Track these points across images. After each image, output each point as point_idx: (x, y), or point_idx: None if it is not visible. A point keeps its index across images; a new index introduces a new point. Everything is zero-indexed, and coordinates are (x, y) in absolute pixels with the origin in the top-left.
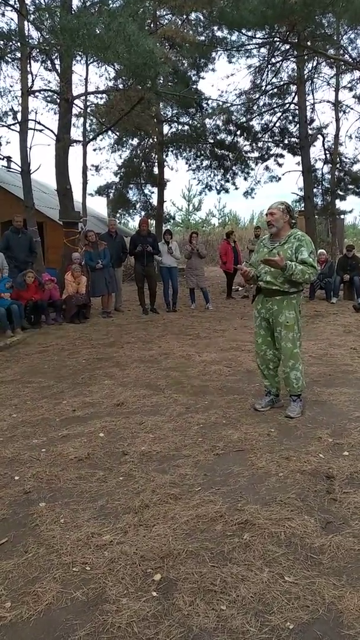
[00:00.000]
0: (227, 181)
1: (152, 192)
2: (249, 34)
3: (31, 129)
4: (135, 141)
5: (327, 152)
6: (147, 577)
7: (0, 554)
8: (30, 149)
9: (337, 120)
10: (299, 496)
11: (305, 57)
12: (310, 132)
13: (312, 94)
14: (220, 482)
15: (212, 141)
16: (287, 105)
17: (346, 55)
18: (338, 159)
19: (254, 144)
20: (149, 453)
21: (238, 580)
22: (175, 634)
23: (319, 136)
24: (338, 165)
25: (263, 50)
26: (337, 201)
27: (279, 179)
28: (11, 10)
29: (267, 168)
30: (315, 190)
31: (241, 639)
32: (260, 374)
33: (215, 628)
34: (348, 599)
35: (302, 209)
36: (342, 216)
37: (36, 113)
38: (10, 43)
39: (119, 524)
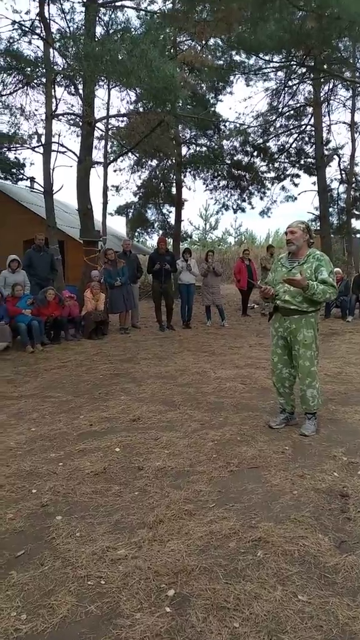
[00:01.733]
0: (244, 201)
1: (170, 212)
2: (267, 58)
3: (54, 151)
4: (154, 162)
5: (342, 172)
6: (161, 593)
7: (17, 566)
8: (53, 170)
9: (353, 141)
10: (313, 514)
11: (322, 80)
12: (326, 152)
13: (328, 115)
14: (235, 498)
15: (229, 162)
16: (304, 126)
17: None
18: (354, 179)
19: (270, 165)
20: (164, 469)
21: (251, 598)
22: None
23: (335, 157)
24: (354, 185)
25: (280, 73)
26: (353, 220)
27: (295, 198)
28: (37, 39)
29: (283, 188)
30: (331, 209)
31: None
32: (276, 391)
33: None
34: None
35: (318, 228)
36: (357, 235)
37: (59, 136)
38: (37, 69)
39: (134, 539)
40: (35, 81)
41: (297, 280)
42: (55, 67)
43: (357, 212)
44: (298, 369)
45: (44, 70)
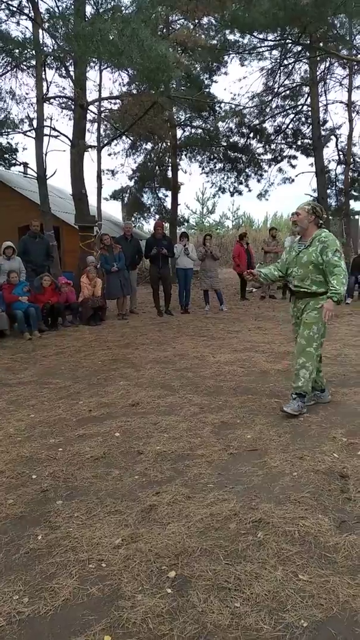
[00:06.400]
0: (241, 183)
1: (166, 196)
2: (261, 36)
3: (47, 135)
4: (149, 145)
5: (340, 152)
6: (162, 574)
7: (18, 551)
8: (45, 155)
9: (351, 120)
10: (313, 495)
11: (318, 58)
12: (323, 133)
13: (325, 95)
14: (234, 481)
15: (225, 144)
16: (300, 106)
17: (359, 56)
18: (352, 160)
19: (267, 146)
20: (164, 452)
21: (252, 578)
22: (189, 630)
23: (332, 137)
24: (352, 166)
25: (275, 52)
26: (352, 202)
27: (293, 180)
28: (26, 19)
29: (280, 170)
30: (329, 191)
31: (255, 636)
32: None
33: (229, 625)
34: None
35: None
36: (356, 217)
37: (51, 119)
38: (26, 51)
39: (135, 522)
40: (24, 63)
41: (330, 312)
42: (44, 48)
43: (355, 194)
44: (295, 346)
45: (33, 52)
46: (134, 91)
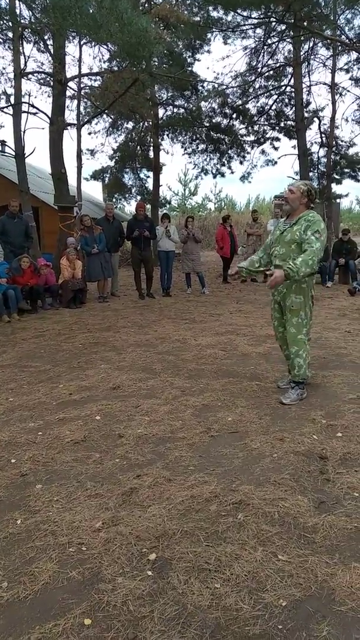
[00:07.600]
0: (223, 165)
1: (148, 177)
2: (245, 14)
3: (25, 112)
4: (130, 124)
5: (323, 135)
6: (143, 557)
7: None
8: (24, 132)
9: (334, 102)
10: (292, 476)
11: (302, 38)
12: (306, 115)
13: (309, 76)
14: (215, 463)
15: (207, 124)
16: (283, 87)
17: (343, 36)
18: (334, 142)
19: (249, 127)
20: (145, 435)
21: (232, 559)
22: (169, 612)
23: (315, 119)
24: (334, 149)
25: (259, 31)
26: (333, 185)
27: (275, 162)
28: None
29: (263, 152)
30: (311, 174)
31: (235, 616)
32: (282, 353)
33: (209, 606)
34: (340, 577)
35: None
36: (338, 200)
37: (29, 95)
38: (2, 22)
39: (115, 505)
40: (0, 35)
41: (275, 280)
42: (21, 20)
43: (337, 177)
44: (286, 335)
45: (10, 24)
46: (115, 68)
